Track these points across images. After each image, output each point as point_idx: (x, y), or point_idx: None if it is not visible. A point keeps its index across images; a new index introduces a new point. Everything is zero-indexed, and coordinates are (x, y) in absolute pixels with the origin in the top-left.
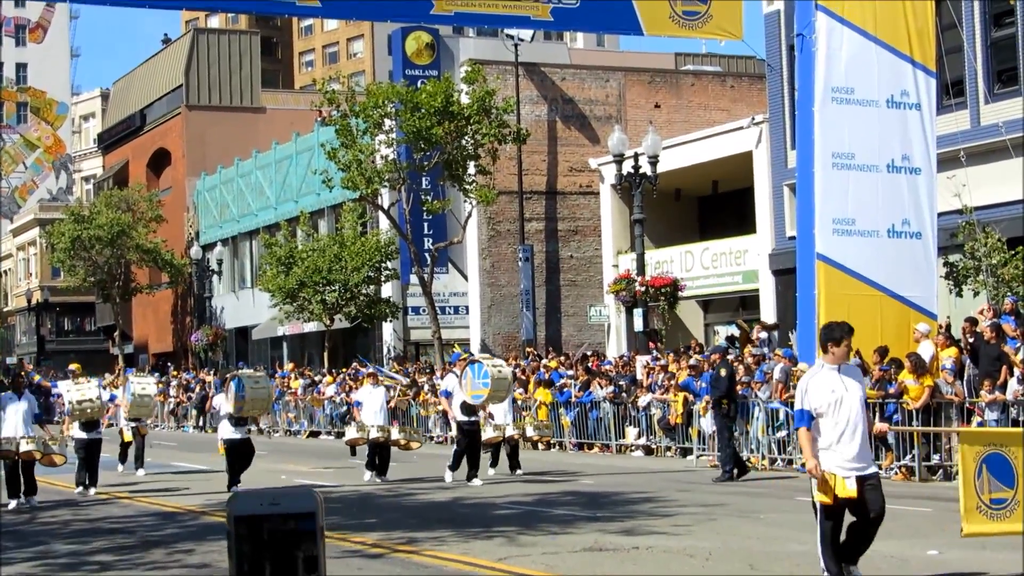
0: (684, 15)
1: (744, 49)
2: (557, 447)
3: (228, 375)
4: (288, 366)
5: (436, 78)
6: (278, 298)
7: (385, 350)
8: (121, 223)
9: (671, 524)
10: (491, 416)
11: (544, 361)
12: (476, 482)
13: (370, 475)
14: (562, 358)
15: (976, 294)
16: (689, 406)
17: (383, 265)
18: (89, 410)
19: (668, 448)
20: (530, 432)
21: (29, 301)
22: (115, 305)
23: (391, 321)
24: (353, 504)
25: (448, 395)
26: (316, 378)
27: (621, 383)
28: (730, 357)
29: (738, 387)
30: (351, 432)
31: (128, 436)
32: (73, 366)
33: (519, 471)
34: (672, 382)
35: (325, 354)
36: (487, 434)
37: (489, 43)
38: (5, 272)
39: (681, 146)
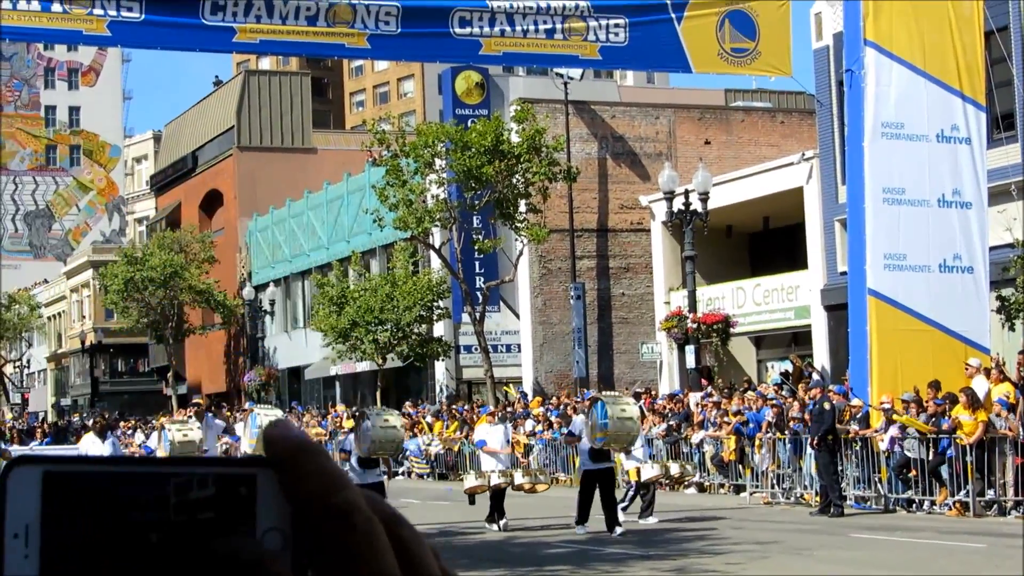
0: (732, 52)
1: (794, 85)
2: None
3: (358, 413)
4: (340, 407)
5: (486, 117)
6: (330, 338)
7: (438, 389)
8: (174, 264)
9: (723, 562)
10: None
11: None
12: (619, 530)
13: (496, 527)
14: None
15: None
16: (742, 443)
17: (435, 304)
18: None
19: (721, 485)
20: (675, 470)
21: (83, 343)
22: (168, 346)
23: (443, 360)
24: None
25: (573, 436)
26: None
27: (671, 421)
28: (784, 393)
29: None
30: (471, 480)
31: None
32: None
33: (650, 518)
34: (724, 419)
35: (378, 393)
36: (648, 473)
37: (539, 81)
38: (59, 314)
39: (732, 182)
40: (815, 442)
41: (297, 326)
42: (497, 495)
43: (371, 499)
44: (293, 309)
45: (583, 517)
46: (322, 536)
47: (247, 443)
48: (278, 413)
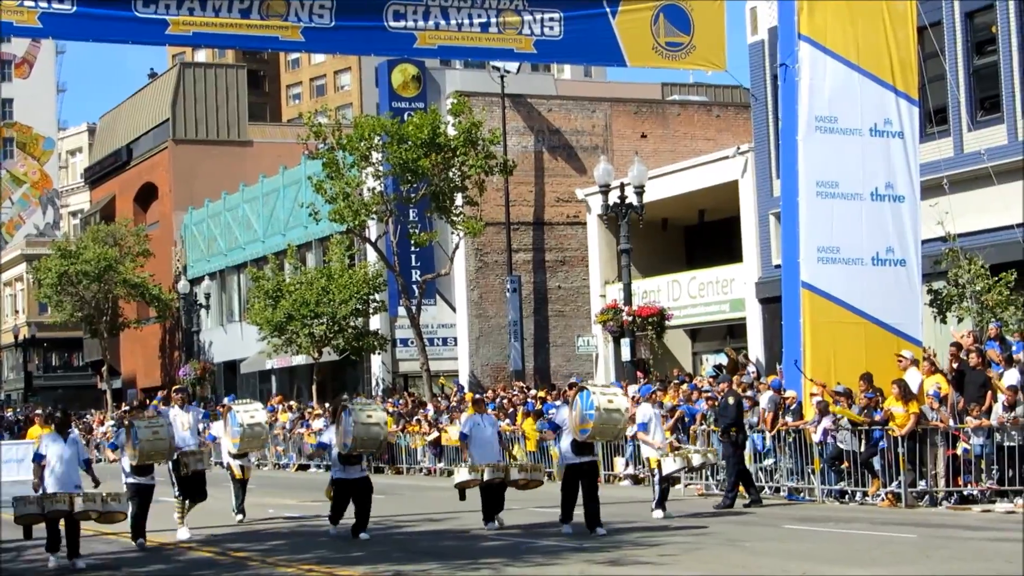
0: (667, 46)
1: (730, 79)
2: (546, 478)
3: (339, 407)
4: (276, 399)
5: (423, 110)
6: (266, 331)
7: (373, 382)
8: (108, 258)
9: (657, 554)
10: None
11: (533, 392)
12: (601, 531)
13: (490, 525)
14: (552, 390)
15: (960, 320)
16: (677, 435)
17: (371, 297)
18: (261, 436)
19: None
20: (697, 461)
21: (16, 337)
22: (103, 340)
23: (379, 353)
24: (341, 537)
25: (555, 428)
26: (306, 411)
27: None
28: (722, 385)
29: (745, 414)
30: (462, 473)
31: (239, 472)
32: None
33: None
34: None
35: (314, 387)
36: (671, 466)
37: (476, 75)
38: None
39: (667, 176)
40: (721, 435)
41: (233, 320)
42: (490, 490)
43: None
44: (228, 303)
45: (567, 515)
46: None
47: (229, 442)
48: (258, 407)
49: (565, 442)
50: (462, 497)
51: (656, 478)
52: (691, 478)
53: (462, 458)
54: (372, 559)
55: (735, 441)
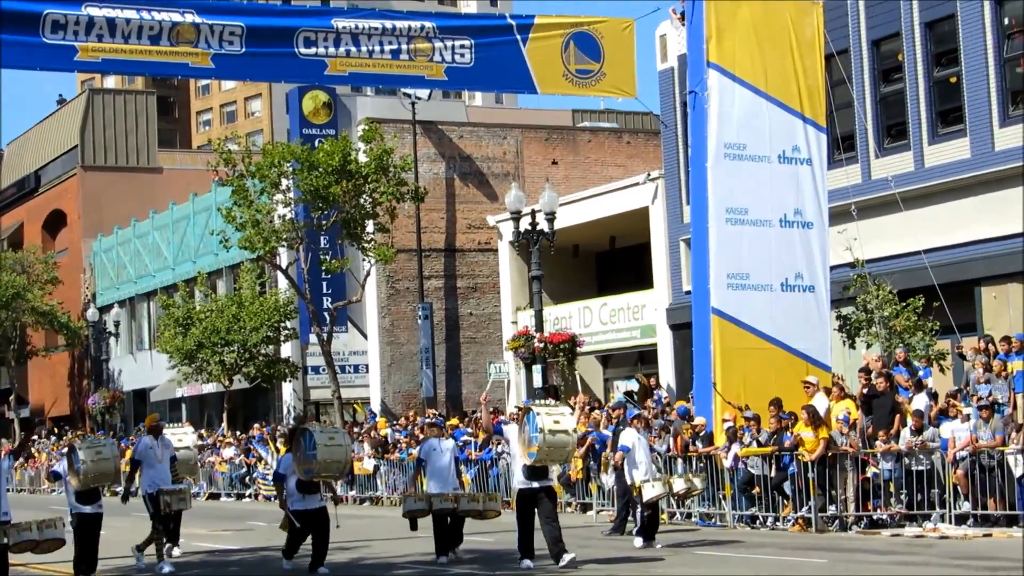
0: (577, 73)
1: (640, 106)
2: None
3: (298, 431)
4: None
5: (333, 137)
6: (176, 359)
7: (285, 410)
8: (16, 285)
9: None
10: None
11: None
12: (567, 558)
13: (444, 559)
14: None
15: (869, 346)
16: (588, 461)
17: (282, 325)
18: (189, 461)
19: (568, 504)
20: (679, 486)
21: None
22: (10, 369)
23: (290, 381)
24: (255, 566)
25: (500, 431)
26: (217, 439)
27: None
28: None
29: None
30: (412, 502)
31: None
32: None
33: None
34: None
35: (224, 415)
36: (650, 492)
37: (387, 102)
38: None
39: (578, 202)
40: (607, 462)
41: (142, 348)
42: (442, 520)
43: None
44: (138, 330)
45: (525, 548)
46: None
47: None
48: (187, 431)
49: (517, 466)
50: (413, 527)
51: (636, 506)
52: (603, 504)
53: (414, 485)
54: None
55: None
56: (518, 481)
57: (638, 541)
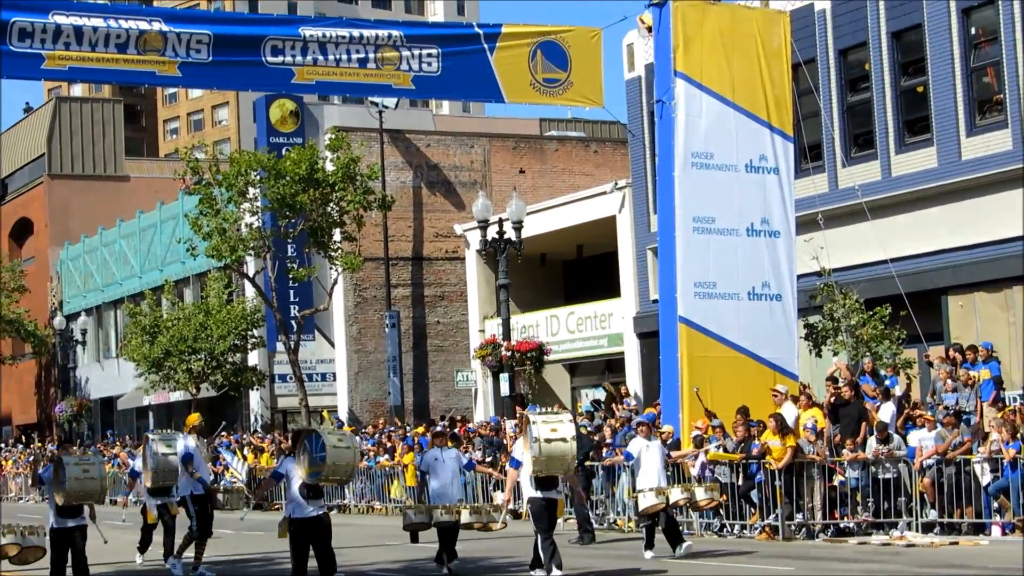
0: (544, 82)
1: (607, 115)
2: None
3: (302, 433)
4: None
5: (301, 145)
6: (143, 367)
7: (252, 418)
8: None
9: None
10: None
11: (411, 429)
12: (556, 573)
13: (446, 570)
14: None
15: (835, 355)
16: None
17: (249, 333)
18: (176, 468)
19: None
20: (701, 496)
21: None
22: None
23: (258, 389)
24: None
25: (517, 465)
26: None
27: (488, 448)
28: (598, 420)
29: (603, 449)
30: (411, 515)
31: (153, 516)
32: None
33: (683, 547)
34: None
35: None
36: (644, 502)
37: (354, 110)
38: None
39: (545, 211)
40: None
41: (109, 356)
42: (445, 533)
43: None
44: (106, 338)
45: (538, 560)
46: None
47: (148, 476)
48: (176, 437)
49: (525, 475)
50: (414, 539)
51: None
52: (570, 512)
53: (418, 497)
54: None
55: (586, 473)
56: (527, 489)
57: (648, 554)
